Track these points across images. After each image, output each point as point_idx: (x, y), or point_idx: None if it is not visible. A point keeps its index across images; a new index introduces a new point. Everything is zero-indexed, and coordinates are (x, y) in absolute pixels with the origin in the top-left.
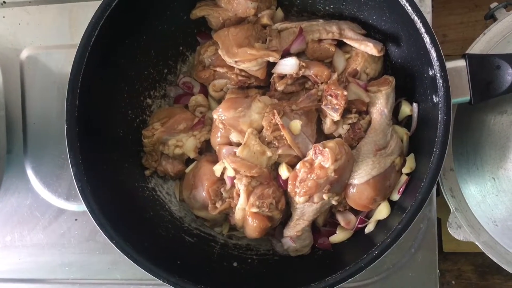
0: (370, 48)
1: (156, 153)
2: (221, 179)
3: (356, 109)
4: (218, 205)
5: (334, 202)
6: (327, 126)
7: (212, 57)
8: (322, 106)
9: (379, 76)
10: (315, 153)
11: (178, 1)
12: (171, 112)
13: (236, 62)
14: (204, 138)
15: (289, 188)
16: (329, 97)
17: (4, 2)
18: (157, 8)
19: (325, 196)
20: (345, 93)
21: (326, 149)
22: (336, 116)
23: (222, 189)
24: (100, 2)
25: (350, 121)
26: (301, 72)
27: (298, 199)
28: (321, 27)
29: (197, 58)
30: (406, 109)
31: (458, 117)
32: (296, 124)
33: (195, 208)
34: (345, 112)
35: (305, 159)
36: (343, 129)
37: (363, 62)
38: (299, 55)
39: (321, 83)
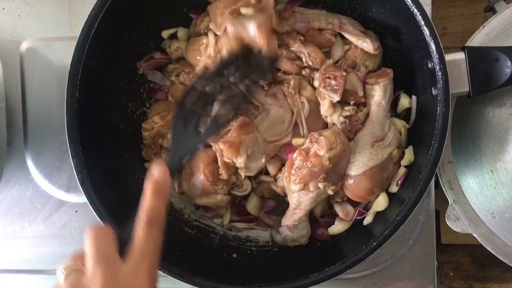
0: (367, 44)
1: (155, 146)
2: (215, 160)
3: (354, 101)
4: (219, 189)
5: (330, 192)
6: (325, 108)
7: (207, 28)
8: (321, 89)
9: (378, 68)
10: (311, 141)
11: None
12: (170, 107)
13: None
14: None
15: (285, 175)
16: (327, 80)
17: None
18: (157, 0)
19: (320, 185)
20: (344, 73)
21: (322, 137)
22: (336, 97)
23: (219, 170)
24: None
25: (347, 113)
26: (296, 44)
27: (294, 187)
28: (323, 17)
29: (193, 30)
30: (405, 101)
31: (457, 109)
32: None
33: (196, 197)
34: (343, 104)
35: (302, 147)
36: (339, 120)
37: (363, 55)
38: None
39: (314, 67)
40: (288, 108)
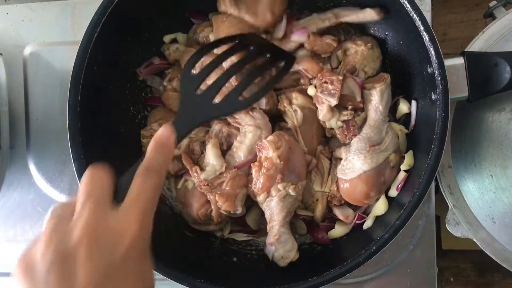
0: (368, 13)
1: None
2: (209, 201)
3: (352, 106)
4: (211, 227)
5: (292, 193)
6: (323, 113)
7: (206, 37)
8: (318, 94)
9: (377, 74)
10: (259, 150)
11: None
12: (168, 114)
13: None
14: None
15: (250, 191)
16: (324, 85)
17: None
18: (160, 6)
19: (280, 187)
20: (340, 77)
21: (264, 141)
22: (334, 101)
23: (211, 211)
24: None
25: (345, 118)
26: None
27: (260, 199)
28: (316, 18)
29: (192, 36)
30: (403, 107)
31: (456, 114)
32: None
33: (189, 222)
34: (341, 109)
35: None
36: (336, 125)
37: (362, 60)
38: (297, 49)
39: (313, 77)
40: (266, 125)
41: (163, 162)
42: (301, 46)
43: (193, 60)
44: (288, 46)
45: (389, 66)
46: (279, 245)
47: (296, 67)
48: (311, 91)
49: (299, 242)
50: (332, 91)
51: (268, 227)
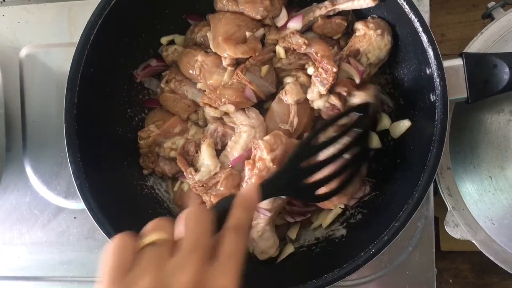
0: (363, 0)
1: (152, 155)
2: (204, 203)
3: (346, 91)
4: None
5: (283, 196)
6: (312, 94)
7: (204, 37)
8: (313, 77)
9: (379, 63)
10: (254, 148)
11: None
12: (165, 115)
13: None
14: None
15: (240, 187)
16: (320, 69)
17: (4, 0)
18: (156, 8)
19: None
20: (335, 69)
21: (259, 141)
22: (323, 90)
23: None
24: (99, 1)
25: (332, 102)
26: (302, 49)
27: None
28: (314, 6)
29: (190, 36)
30: (385, 122)
31: (455, 116)
32: (266, 67)
33: None
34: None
35: (248, 160)
36: (324, 105)
37: (368, 45)
38: (305, 32)
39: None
40: (261, 125)
41: (249, 221)
42: (309, 29)
43: (316, 132)
44: (285, 33)
45: (387, 67)
46: (261, 241)
47: (308, 49)
48: (310, 70)
49: (296, 245)
50: (324, 81)
51: (253, 223)
